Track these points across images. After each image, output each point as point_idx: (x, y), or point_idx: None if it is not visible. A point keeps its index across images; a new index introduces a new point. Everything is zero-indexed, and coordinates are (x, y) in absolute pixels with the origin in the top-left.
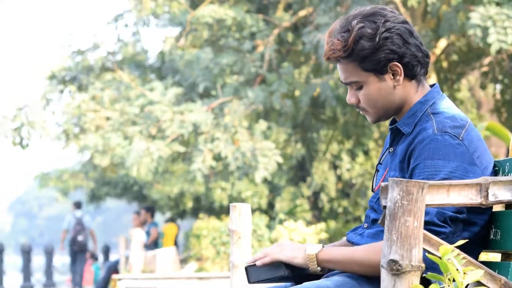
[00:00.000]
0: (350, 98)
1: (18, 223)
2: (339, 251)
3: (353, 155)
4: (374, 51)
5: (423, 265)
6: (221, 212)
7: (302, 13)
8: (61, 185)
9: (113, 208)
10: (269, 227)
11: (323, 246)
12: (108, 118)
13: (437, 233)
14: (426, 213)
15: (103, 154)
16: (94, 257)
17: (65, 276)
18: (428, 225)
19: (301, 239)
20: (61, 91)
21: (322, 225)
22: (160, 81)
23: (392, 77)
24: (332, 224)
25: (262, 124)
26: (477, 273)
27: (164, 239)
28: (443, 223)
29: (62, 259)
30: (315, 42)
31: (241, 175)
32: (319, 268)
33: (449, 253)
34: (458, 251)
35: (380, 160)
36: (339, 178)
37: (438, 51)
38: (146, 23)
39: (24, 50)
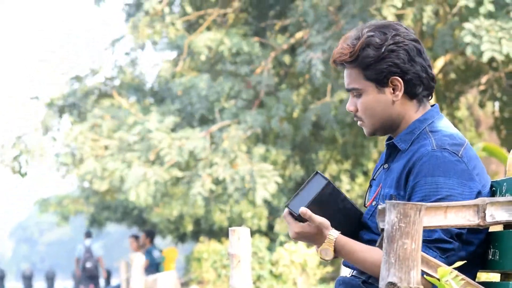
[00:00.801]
0: (349, 106)
1: (19, 249)
2: (357, 244)
3: (352, 176)
4: (378, 60)
5: (422, 287)
6: (221, 234)
7: (298, 35)
8: (61, 210)
9: (114, 232)
10: (270, 249)
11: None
12: (106, 147)
13: (446, 250)
14: (434, 231)
15: (101, 180)
16: (95, 282)
17: None
18: (438, 243)
19: (302, 261)
20: (60, 117)
21: None
22: (158, 106)
23: (392, 91)
24: None
25: (260, 148)
26: None
27: (165, 263)
28: (450, 239)
29: (63, 284)
30: (308, 61)
31: (240, 197)
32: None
33: (447, 275)
34: (456, 272)
35: (373, 176)
36: None
37: (435, 70)
38: (143, 48)
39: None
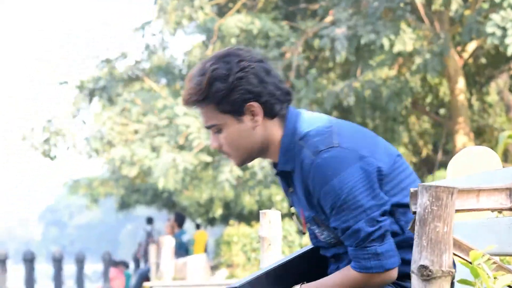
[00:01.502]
0: (212, 143)
1: (49, 231)
2: (317, 283)
3: None
4: (229, 92)
5: (454, 270)
6: (251, 218)
7: (328, 19)
8: (90, 193)
9: (143, 215)
10: (299, 232)
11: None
12: (136, 131)
13: (380, 237)
14: (357, 231)
15: (130, 165)
16: (125, 265)
17: (96, 284)
18: (369, 238)
19: None
20: (90, 101)
21: None
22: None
23: (251, 117)
24: None
25: None
26: (508, 278)
27: (194, 246)
28: (377, 224)
29: (93, 267)
30: (332, 36)
31: (268, 183)
32: None
33: (479, 258)
34: (488, 255)
35: (290, 203)
36: None
37: (466, 54)
38: (172, 32)
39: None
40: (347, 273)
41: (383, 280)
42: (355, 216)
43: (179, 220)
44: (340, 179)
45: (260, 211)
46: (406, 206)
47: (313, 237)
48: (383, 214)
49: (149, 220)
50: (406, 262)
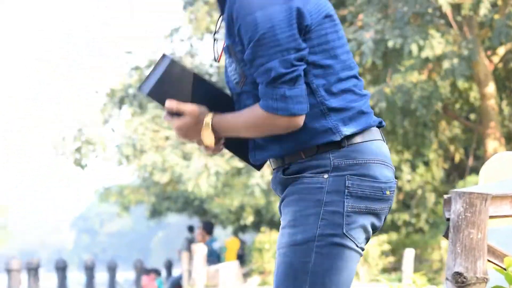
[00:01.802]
0: None
1: (80, 240)
2: (230, 114)
3: (413, 166)
4: None
5: (488, 276)
6: None
7: (357, 24)
8: (121, 201)
9: (174, 223)
10: None
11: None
12: (167, 138)
13: (292, 80)
14: (269, 70)
15: (162, 172)
16: (157, 272)
17: None
18: (281, 79)
19: (363, 252)
20: (120, 108)
21: (384, 237)
22: None
23: None
24: (394, 235)
25: None
26: None
27: (226, 254)
28: (292, 67)
29: (124, 275)
30: (359, 39)
31: None
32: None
33: None
34: None
35: (216, 29)
36: (399, 189)
37: (496, 59)
38: (201, 38)
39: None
40: (255, 109)
41: (288, 124)
42: (271, 54)
43: (208, 228)
44: (264, 13)
45: None
46: (322, 67)
47: (226, 72)
48: (299, 60)
49: (191, 228)
50: (314, 131)
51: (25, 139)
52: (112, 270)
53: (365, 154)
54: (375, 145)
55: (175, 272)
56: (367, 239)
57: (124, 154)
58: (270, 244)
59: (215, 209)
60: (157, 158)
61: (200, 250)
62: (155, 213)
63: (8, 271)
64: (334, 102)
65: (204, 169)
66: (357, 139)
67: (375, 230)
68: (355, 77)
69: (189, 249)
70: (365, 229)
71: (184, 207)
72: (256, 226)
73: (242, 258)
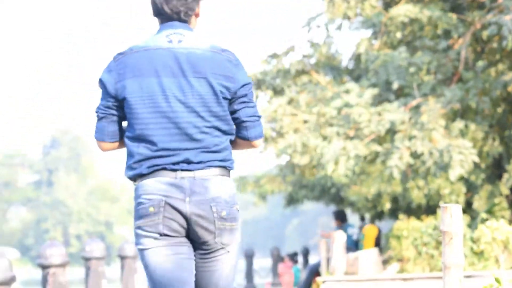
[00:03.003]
0: None
1: None
2: None
3: None
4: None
5: None
6: (419, 212)
7: (496, 9)
8: (259, 190)
9: (309, 210)
10: (470, 226)
11: None
12: (305, 121)
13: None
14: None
15: (301, 154)
16: (294, 260)
17: (265, 280)
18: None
19: (504, 238)
20: (257, 96)
21: None
22: (355, 83)
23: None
24: None
25: (459, 123)
26: None
27: (364, 241)
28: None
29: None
30: (499, 22)
31: (437, 171)
32: None
33: None
34: None
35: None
36: None
37: None
38: (339, 26)
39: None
40: None
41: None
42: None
43: (341, 217)
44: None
45: (441, 205)
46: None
47: None
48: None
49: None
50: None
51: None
52: (249, 257)
53: None
54: None
55: (312, 260)
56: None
57: (264, 136)
58: (408, 231)
59: (352, 197)
60: (297, 139)
61: (339, 237)
62: (292, 201)
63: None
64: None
65: (343, 152)
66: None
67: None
68: None
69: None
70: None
71: (321, 195)
72: (392, 213)
73: (379, 245)
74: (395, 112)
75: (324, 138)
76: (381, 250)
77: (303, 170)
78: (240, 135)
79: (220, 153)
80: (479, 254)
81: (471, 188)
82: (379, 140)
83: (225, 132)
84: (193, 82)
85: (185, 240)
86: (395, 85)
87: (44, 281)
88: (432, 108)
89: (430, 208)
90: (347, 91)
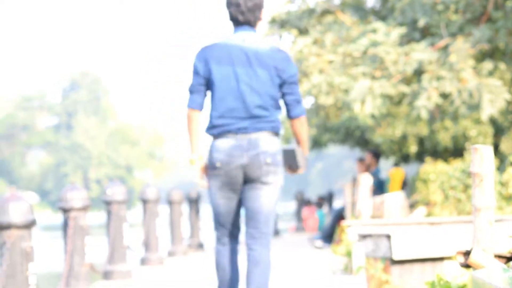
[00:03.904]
0: None
1: None
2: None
3: None
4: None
5: None
6: (445, 154)
7: None
8: (283, 133)
9: (333, 154)
10: (498, 169)
11: None
12: (330, 62)
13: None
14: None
15: (327, 95)
16: (319, 204)
17: (288, 224)
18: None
19: None
20: (280, 36)
21: None
22: (382, 21)
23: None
24: None
25: (487, 64)
26: None
27: (390, 184)
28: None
29: (284, 206)
30: None
31: (467, 111)
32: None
33: None
34: None
35: None
36: None
37: None
38: None
39: None
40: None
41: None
42: None
43: (377, 157)
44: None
45: (472, 147)
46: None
47: None
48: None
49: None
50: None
51: None
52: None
53: None
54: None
55: (336, 204)
56: None
57: None
58: (435, 175)
59: (377, 139)
60: (322, 79)
61: (366, 180)
62: (316, 144)
63: (170, 202)
64: None
65: (369, 91)
66: None
67: None
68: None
69: (352, 180)
70: None
71: (345, 138)
72: (418, 156)
73: (405, 189)
74: (422, 52)
75: (350, 78)
76: (407, 194)
77: (328, 112)
78: (289, 112)
79: (270, 122)
80: (508, 198)
81: (498, 130)
82: (406, 81)
83: (275, 108)
84: (257, 71)
85: (237, 187)
86: (421, 24)
87: (65, 225)
88: (460, 48)
89: (456, 151)
90: (373, 31)
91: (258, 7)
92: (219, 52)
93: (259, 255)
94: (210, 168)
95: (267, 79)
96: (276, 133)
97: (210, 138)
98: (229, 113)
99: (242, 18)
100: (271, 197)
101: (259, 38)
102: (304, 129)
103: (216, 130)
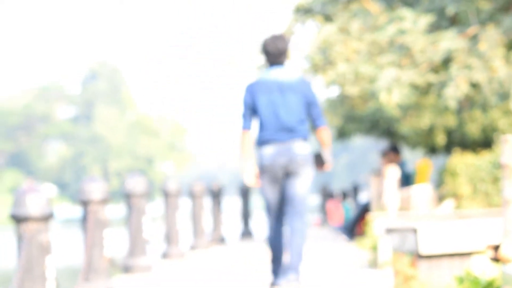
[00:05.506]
0: None
1: None
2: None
3: None
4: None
5: None
6: (474, 146)
7: None
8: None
9: (358, 146)
10: None
11: None
12: (356, 50)
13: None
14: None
15: (353, 84)
16: (344, 197)
17: (313, 217)
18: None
19: None
20: (304, 23)
21: None
22: (410, 9)
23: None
24: None
25: None
26: None
27: (417, 176)
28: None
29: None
30: None
31: (497, 100)
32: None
33: None
34: None
35: None
36: None
37: None
38: None
39: None
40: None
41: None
42: None
43: (396, 151)
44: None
45: (502, 137)
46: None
47: None
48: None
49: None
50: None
51: None
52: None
53: None
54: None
55: (361, 196)
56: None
57: (313, 64)
58: (465, 167)
59: (403, 130)
60: (348, 68)
61: (392, 172)
62: (341, 135)
63: (192, 195)
64: None
65: (396, 81)
66: None
67: None
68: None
69: (378, 173)
70: None
71: (371, 129)
72: (446, 148)
73: (433, 181)
74: (451, 40)
75: (377, 67)
76: (433, 186)
77: (354, 103)
78: (313, 124)
79: (301, 132)
80: None
81: None
82: (434, 70)
83: (303, 123)
84: (290, 97)
85: (279, 181)
86: (450, 12)
87: (84, 218)
88: (490, 37)
89: (485, 142)
90: (400, 18)
91: (284, 52)
92: (260, 86)
93: (296, 226)
94: (260, 169)
95: (296, 103)
96: (305, 139)
97: (258, 148)
98: (271, 129)
99: (274, 61)
100: (304, 184)
101: (288, 72)
102: (326, 135)
103: (263, 142)
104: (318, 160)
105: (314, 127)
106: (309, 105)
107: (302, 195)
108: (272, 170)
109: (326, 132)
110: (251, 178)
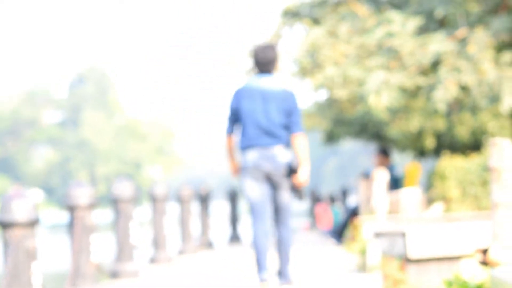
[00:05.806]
0: None
1: None
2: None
3: None
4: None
5: None
6: (463, 149)
7: None
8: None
9: (347, 150)
10: None
11: None
12: (344, 54)
13: None
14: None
15: (341, 87)
16: (332, 201)
17: (302, 221)
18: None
19: None
20: (292, 26)
21: None
22: (398, 11)
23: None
24: None
25: (507, 54)
26: None
27: (406, 180)
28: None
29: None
30: None
31: (486, 103)
32: None
33: None
34: None
35: None
36: None
37: None
38: None
39: None
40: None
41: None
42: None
43: (385, 154)
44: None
45: (490, 140)
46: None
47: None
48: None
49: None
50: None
51: None
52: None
53: None
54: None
55: (350, 201)
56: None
57: (301, 68)
58: (454, 170)
59: (392, 133)
60: (336, 71)
61: (381, 176)
62: (330, 138)
63: (179, 200)
64: None
65: (385, 84)
66: None
67: None
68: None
69: (366, 176)
70: None
71: (360, 132)
72: (435, 151)
73: (422, 184)
74: (440, 43)
75: (365, 70)
76: (422, 189)
77: (342, 106)
78: (289, 131)
79: (282, 139)
80: None
81: None
82: (423, 73)
83: (285, 129)
84: (271, 105)
85: (265, 181)
86: (439, 14)
87: (71, 223)
88: (479, 39)
89: (474, 146)
90: (389, 21)
91: (272, 61)
92: (245, 93)
93: (283, 234)
94: (243, 170)
95: (276, 110)
96: (287, 146)
97: (242, 152)
98: (252, 133)
99: (262, 69)
100: (287, 193)
101: (274, 81)
102: (300, 141)
103: (246, 146)
104: (291, 170)
105: (290, 133)
106: (289, 114)
107: (287, 204)
108: (254, 172)
109: (301, 139)
110: (235, 171)
